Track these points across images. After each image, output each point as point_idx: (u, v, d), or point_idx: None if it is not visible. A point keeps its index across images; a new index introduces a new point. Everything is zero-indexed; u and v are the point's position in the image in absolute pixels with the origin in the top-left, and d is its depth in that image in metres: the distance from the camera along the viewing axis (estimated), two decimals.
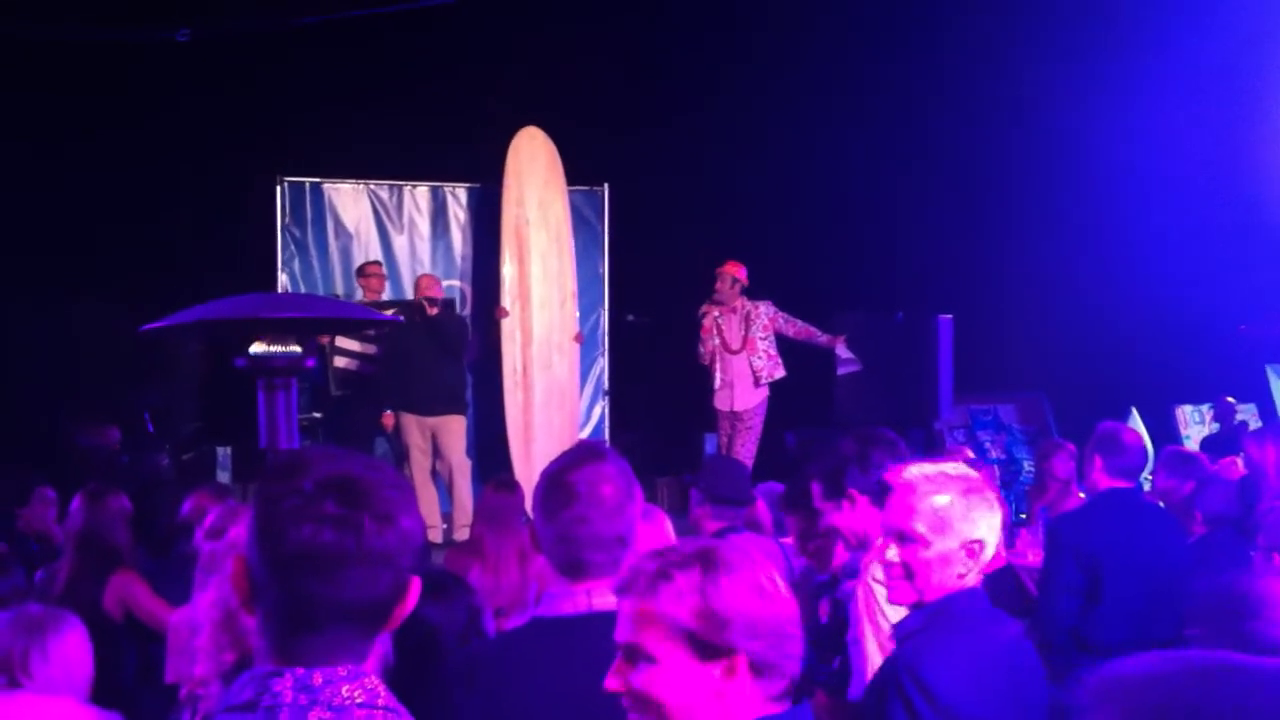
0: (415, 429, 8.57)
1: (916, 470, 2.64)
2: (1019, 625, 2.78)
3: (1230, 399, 10.17)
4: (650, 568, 1.90)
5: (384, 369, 8.74)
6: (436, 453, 8.61)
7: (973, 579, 2.60)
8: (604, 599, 2.25)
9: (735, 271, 9.16)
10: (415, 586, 1.56)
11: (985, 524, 2.58)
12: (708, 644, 1.85)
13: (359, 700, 1.51)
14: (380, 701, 1.53)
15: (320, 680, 1.51)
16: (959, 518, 2.55)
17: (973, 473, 2.68)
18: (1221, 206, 10.40)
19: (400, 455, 9.00)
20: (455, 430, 8.68)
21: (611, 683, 1.89)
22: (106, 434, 7.94)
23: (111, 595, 4.67)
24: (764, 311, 9.16)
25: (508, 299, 9.46)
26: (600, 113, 10.34)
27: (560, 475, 2.34)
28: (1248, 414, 10.27)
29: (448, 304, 8.95)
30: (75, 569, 4.69)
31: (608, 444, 2.47)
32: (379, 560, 1.50)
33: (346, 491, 1.51)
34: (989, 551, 2.59)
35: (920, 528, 2.56)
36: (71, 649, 2.54)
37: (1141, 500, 4.84)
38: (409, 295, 10.13)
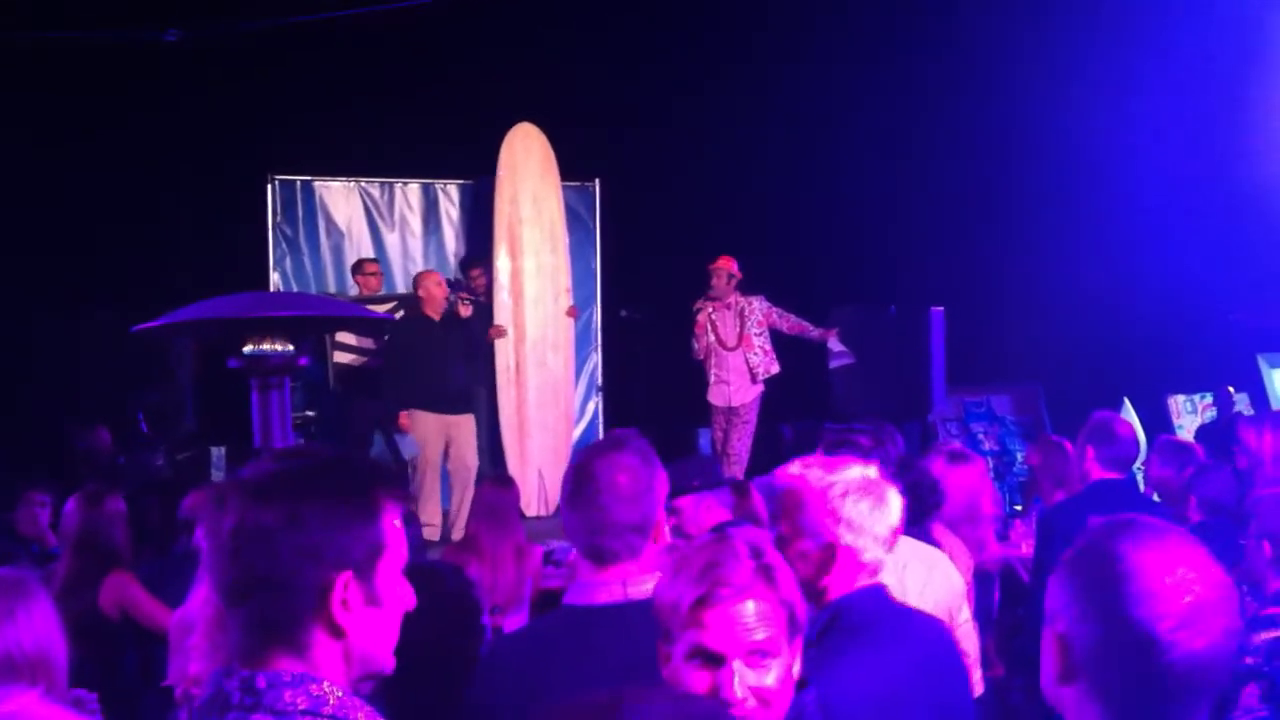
0: (433, 427, 8.45)
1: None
2: (933, 623, 2.68)
3: (1231, 389, 10.14)
4: (747, 568, 1.90)
5: (400, 367, 8.60)
6: (446, 452, 8.55)
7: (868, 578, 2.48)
8: (639, 587, 2.31)
9: (730, 266, 9.16)
10: (338, 582, 1.56)
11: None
12: (798, 626, 1.94)
13: (301, 707, 1.50)
14: (326, 710, 1.51)
15: (264, 684, 1.51)
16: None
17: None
18: (1213, 196, 10.41)
19: (395, 453, 8.99)
20: (469, 429, 8.65)
21: (736, 692, 1.85)
22: (99, 435, 7.92)
23: (108, 596, 4.66)
24: (758, 307, 9.16)
25: (503, 294, 9.42)
26: (591, 109, 10.33)
27: (582, 465, 2.42)
28: (1240, 403, 10.28)
29: (477, 305, 8.89)
30: (72, 571, 4.68)
31: (635, 434, 2.52)
32: (239, 533, 1.55)
33: (259, 474, 1.60)
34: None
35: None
36: (49, 612, 2.55)
37: (1134, 491, 4.86)
38: (402, 292, 10.14)
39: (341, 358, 8.92)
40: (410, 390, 8.44)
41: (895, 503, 2.52)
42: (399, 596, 1.60)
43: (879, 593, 2.49)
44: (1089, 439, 4.50)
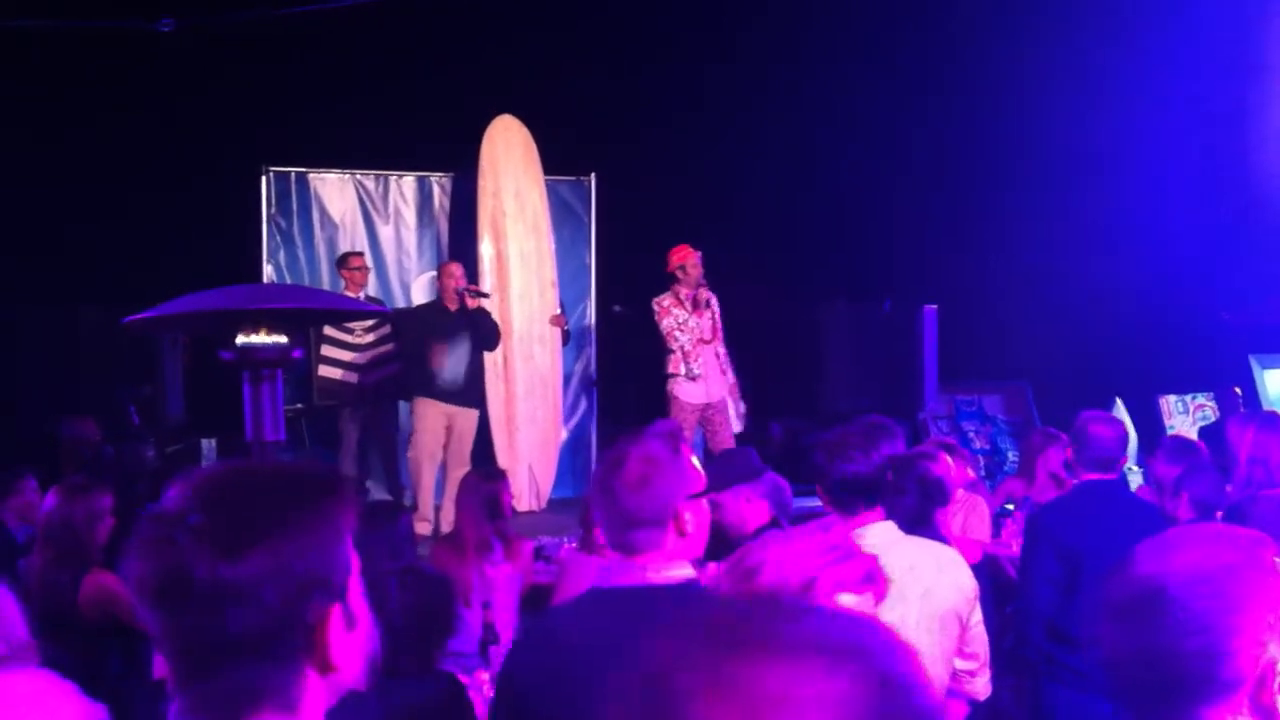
0: (436, 416, 8.40)
1: None
2: None
3: (1237, 389, 10.05)
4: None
5: (410, 354, 8.59)
6: (445, 444, 8.50)
7: None
8: (659, 573, 2.44)
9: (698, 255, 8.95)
10: (330, 619, 1.35)
11: None
12: None
13: None
14: None
15: None
16: None
17: None
18: (1207, 196, 10.42)
19: (387, 451, 8.96)
20: (472, 422, 8.63)
21: None
22: (88, 426, 7.90)
23: (87, 599, 4.54)
24: (715, 300, 9.03)
25: (486, 286, 9.34)
26: (586, 102, 10.31)
27: (607, 460, 2.55)
28: (1242, 404, 10.23)
29: (486, 297, 8.86)
30: (46, 564, 4.60)
31: (661, 428, 2.68)
32: (214, 593, 1.28)
33: (207, 511, 1.31)
34: None
35: None
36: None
37: (1123, 492, 4.86)
38: (394, 286, 10.12)
39: (325, 370, 8.84)
40: (420, 377, 8.42)
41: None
42: (366, 609, 1.42)
43: None
44: (1075, 439, 4.51)
